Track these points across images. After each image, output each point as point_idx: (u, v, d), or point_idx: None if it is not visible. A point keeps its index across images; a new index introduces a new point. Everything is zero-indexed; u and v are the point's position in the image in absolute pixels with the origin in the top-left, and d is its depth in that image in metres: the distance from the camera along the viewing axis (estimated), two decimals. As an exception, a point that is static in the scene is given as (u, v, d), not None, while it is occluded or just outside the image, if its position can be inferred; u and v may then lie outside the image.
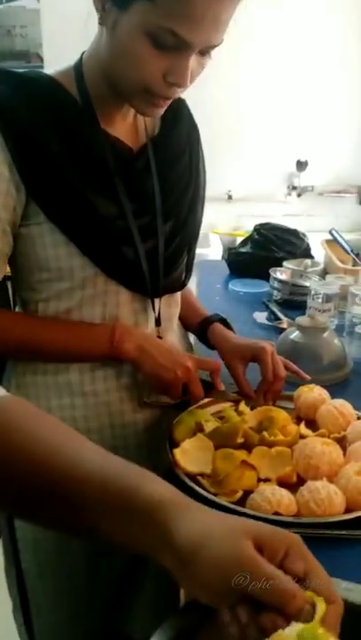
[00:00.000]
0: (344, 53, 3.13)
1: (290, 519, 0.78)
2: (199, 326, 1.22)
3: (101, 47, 0.88)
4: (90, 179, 0.93)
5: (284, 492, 0.81)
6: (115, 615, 1.15)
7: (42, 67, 3.01)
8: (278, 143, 3.22)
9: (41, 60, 3.01)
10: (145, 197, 1.00)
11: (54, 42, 2.95)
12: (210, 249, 2.87)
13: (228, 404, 1.09)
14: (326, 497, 0.79)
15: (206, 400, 1.09)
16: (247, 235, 3.28)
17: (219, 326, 1.20)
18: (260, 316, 1.61)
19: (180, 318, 1.21)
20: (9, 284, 1.31)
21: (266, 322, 1.56)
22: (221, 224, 3.34)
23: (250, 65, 3.06)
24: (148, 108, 0.91)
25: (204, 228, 3.46)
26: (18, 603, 1.14)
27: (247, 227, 3.39)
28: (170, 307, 1.12)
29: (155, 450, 1.09)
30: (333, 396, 1.11)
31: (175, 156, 1.05)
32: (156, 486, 0.55)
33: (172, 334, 1.15)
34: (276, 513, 0.79)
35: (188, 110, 1.11)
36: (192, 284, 2.03)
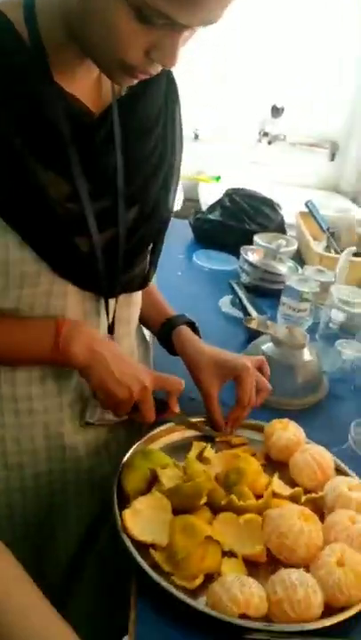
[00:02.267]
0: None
1: (260, 626, 0.65)
2: (162, 327, 1.04)
3: None
4: (36, 147, 0.71)
5: (255, 589, 0.67)
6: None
7: None
8: (255, 84, 2.93)
9: None
10: (105, 176, 0.79)
11: None
12: (170, 194, 2.62)
13: (187, 435, 0.94)
14: (304, 598, 0.66)
15: (163, 427, 0.93)
16: (210, 181, 3.06)
17: (186, 331, 1.02)
18: (226, 303, 1.43)
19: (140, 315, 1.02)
20: None
21: (232, 313, 1.39)
22: (184, 165, 3.06)
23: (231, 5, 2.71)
24: (123, 78, 0.69)
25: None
26: None
27: (212, 172, 3.15)
28: (128, 307, 0.93)
29: (98, 479, 0.93)
30: (306, 422, 0.98)
31: (146, 124, 0.83)
32: None
33: (130, 340, 0.97)
34: (243, 614, 0.66)
35: None
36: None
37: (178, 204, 2.61)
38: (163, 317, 1.04)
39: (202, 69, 2.83)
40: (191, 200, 2.78)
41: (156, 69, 0.68)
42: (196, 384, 0.97)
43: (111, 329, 0.90)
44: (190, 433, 0.96)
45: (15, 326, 0.80)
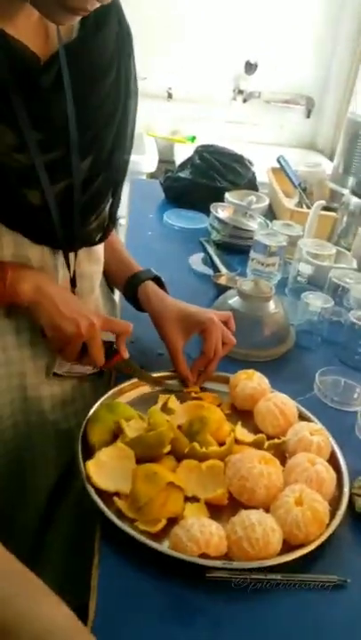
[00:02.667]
0: None
1: (218, 564, 0.67)
2: (127, 283, 1.03)
3: None
4: None
5: (214, 529, 0.69)
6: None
7: None
8: (227, 40, 2.86)
9: None
10: (55, 125, 0.77)
11: None
12: (144, 156, 2.58)
13: (153, 389, 0.95)
14: (262, 536, 0.68)
15: (130, 382, 0.94)
16: (185, 141, 3.01)
17: (152, 286, 1.02)
18: (197, 261, 1.43)
19: (105, 271, 1.02)
20: None
21: (202, 268, 1.39)
22: (159, 126, 3.02)
23: None
24: (61, 16, 0.68)
25: (139, 128, 3.13)
26: None
27: (186, 132, 3.10)
28: (90, 263, 0.93)
29: (64, 433, 0.94)
30: (273, 373, 1.00)
31: (98, 70, 0.81)
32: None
33: (94, 296, 0.97)
34: (204, 554, 0.68)
35: (119, 6, 0.83)
36: (122, 210, 1.80)
37: (153, 166, 2.58)
38: (128, 273, 1.04)
39: (173, 27, 2.76)
40: (166, 161, 2.75)
41: (93, 5, 0.66)
42: (162, 338, 0.98)
43: (73, 283, 0.90)
44: (157, 387, 0.96)
45: None
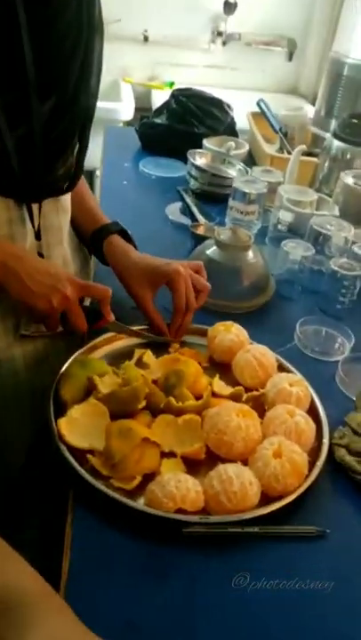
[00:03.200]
0: None
1: (195, 519, 0.66)
2: (92, 237, 0.99)
3: None
4: None
5: (191, 484, 0.67)
6: None
7: None
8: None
9: None
10: (10, 64, 0.71)
11: None
12: (121, 104, 2.48)
13: (129, 343, 0.92)
14: (240, 489, 0.66)
15: (104, 337, 0.91)
16: (163, 87, 2.90)
17: (117, 240, 0.97)
18: (174, 211, 1.38)
19: (72, 222, 0.97)
20: None
21: (180, 219, 1.34)
22: (135, 71, 2.90)
23: None
24: None
25: (114, 74, 3.02)
26: None
27: (164, 77, 2.98)
28: (57, 214, 0.88)
29: (39, 393, 0.91)
30: (253, 324, 0.97)
31: (55, 4, 0.73)
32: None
33: (61, 248, 0.92)
34: (180, 509, 0.66)
35: None
36: (93, 158, 1.73)
37: (130, 114, 2.48)
38: (94, 226, 0.99)
39: None
40: (144, 109, 2.64)
41: None
42: (130, 294, 0.94)
43: (38, 236, 0.85)
44: (133, 341, 0.93)
45: None
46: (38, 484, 0.97)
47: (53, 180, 0.83)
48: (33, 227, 0.84)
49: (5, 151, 0.73)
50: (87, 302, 0.89)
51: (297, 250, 1.10)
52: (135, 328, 0.93)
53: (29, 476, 0.97)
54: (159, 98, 2.58)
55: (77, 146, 0.85)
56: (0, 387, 0.88)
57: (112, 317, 0.86)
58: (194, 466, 0.74)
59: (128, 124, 2.46)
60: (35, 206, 0.83)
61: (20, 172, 0.76)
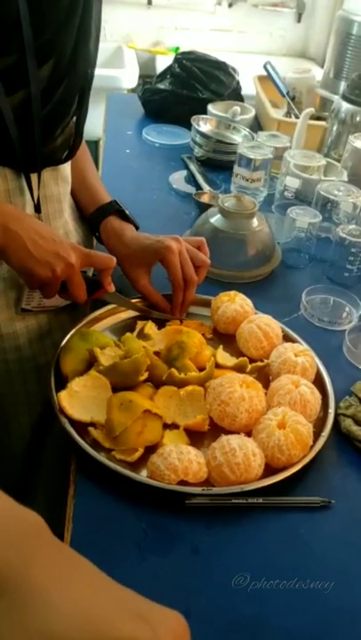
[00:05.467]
0: None
1: (198, 490, 0.65)
2: (91, 218, 0.96)
3: None
4: None
5: (193, 455, 0.66)
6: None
7: None
8: None
9: None
10: (5, 26, 0.68)
11: None
12: (124, 70, 2.42)
13: (131, 315, 0.91)
14: (243, 460, 0.65)
15: (106, 309, 0.89)
16: (168, 52, 2.82)
17: (113, 221, 0.94)
18: (178, 180, 1.35)
19: (73, 198, 0.95)
20: None
21: (183, 189, 1.31)
22: (138, 37, 2.83)
23: None
24: None
25: (117, 40, 2.95)
26: None
27: (169, 42, 2.91)
28: (56, 184, 0.86)
29: (44, 368, 0.90)
30: (258, 294, 0.96)
31: None
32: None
33: (62, 220, 0.90)
34: (183, 481, 0.65)
35: None
36: (97, 128, 1.69)
37: (133, 81, 2.43)
38: (93, 205, 0.96)
39: None
40: (148, 76, 2.58)
41: None
42: (126, 276, 0.92)
43: (38, 208, 0.83)
44: (135, 313, 0.92)
45: None
46: (43, 459, 0.97)
47: (52, 148, 0.81)
48: (32, 198, 0.82)
49: (2, 118, 0.71)
50: (90, 273, 0.87)
51: (304, 217, 1.07)
52: (135, 301, 0.91)
53: (35, 450, 0.97)
54: (164, 64, 2.51)
55: (77, 112, 0.82)
56: (4, 362, 0.88)
57: (112, 288, 0.84)
58: (197, 438, 0.73)
59: (132, 91, 2.41)
60: (33, 177, 0.81)
61: (18, 139, 0.74)
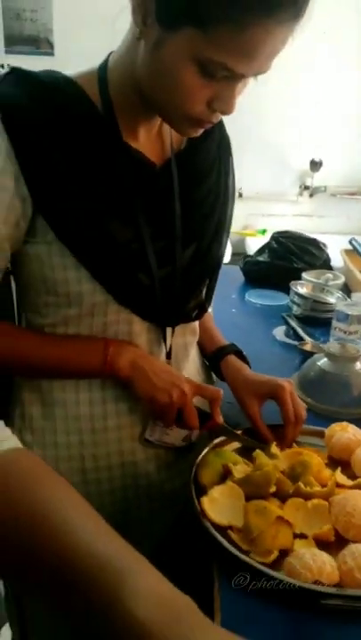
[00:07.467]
0: (360, 53, 3.02)
1: (333, 590, 0.71)
2: (212, 356, 1.13)
3: (138, 60, 0.78)
4: (106, 198, 0.84)
5: (326, 558, 0.73)
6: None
7: (52, 53, 2.89)
8: (292, 142, 3.12)
9: (51, 46, 2.89)
10: (164, 219, 0.90)
11: (65, 28, 2.83)
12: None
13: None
14: (373, 565, 0.71)
15: (222, 438, 1.01)
16: (256, 234, 3.21)
17: (233, 358, 1.11)
18: (280, 333, 1.53)
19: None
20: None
21: (286, 339, 1.48)
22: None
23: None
24: (189, 129, 0.82)
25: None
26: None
27: (257, 226, 3.31)
28: (184, 335, 1.03)
29: (168, 492, 1.01)
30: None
31: (202, 173, 0.94)
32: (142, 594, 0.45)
33: (189, 364, 1.06)
34: (317, 581, 0.72)
35: (220, 119, 1.01)
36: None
37: (227, 258, 2.77)
38: (214, 346, 1.14)
39: (242, 133, 3.05)
40: (239, 254, 2.94)
41: (217, 117, 0.80)
42: (241, 407, 1.05)
43: (169, 354, 0.99)
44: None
45: (68, 343, 0.92)
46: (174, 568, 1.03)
47: (187, 309, 0.99)
48: (165, 347, 0.99)
49: (153, 286, 0.90)
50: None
51: None
52: (239, 432, 1.02)
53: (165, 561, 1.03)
54: (253, 243, 2.87)
55: (208, 285, 1.01)
56: (136, 487, 0.99)
57: (220, 420, 0.96)
58: (324, 548, 0.79)
59: (226, 264, 2.74)
60: (168, 330, 0.98)
61: (161, 303, 0.92)
